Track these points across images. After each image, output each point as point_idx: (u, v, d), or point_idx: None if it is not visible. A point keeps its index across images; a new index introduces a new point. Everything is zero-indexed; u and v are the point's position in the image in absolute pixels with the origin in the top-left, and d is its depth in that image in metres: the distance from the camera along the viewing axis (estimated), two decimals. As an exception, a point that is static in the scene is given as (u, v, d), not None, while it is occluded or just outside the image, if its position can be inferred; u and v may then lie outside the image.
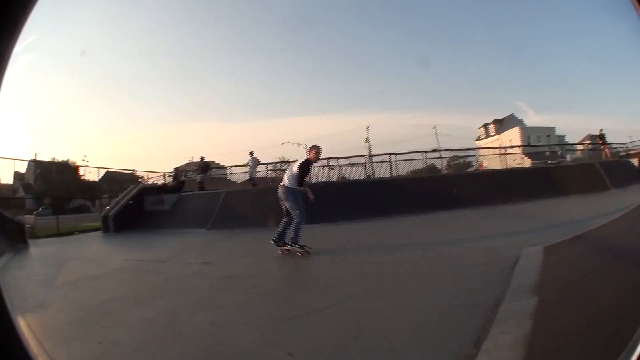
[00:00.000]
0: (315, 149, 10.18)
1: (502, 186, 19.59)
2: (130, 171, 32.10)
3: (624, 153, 34.15)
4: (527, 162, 32.24)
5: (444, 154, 28.52)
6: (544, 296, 4.79)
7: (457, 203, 16.48)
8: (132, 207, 20.66)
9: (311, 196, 9.73)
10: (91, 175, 32.43)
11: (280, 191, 10.00)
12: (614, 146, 33.73)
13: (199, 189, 24.11)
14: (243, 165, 26.36)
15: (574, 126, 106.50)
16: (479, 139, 67.59)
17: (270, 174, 27.65)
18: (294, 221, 9.63)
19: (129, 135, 63.27)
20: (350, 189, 20.07)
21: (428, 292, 5.79)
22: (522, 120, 66.56)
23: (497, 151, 30.95)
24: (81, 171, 33.50)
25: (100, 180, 32.35)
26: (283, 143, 63.02)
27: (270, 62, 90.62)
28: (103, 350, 4.48)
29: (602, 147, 31.03)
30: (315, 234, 10.05)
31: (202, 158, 26.63)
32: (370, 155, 26.54)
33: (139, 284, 8.13)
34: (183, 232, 16.75)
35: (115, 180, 32.24)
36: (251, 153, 25.82)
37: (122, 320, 5.57)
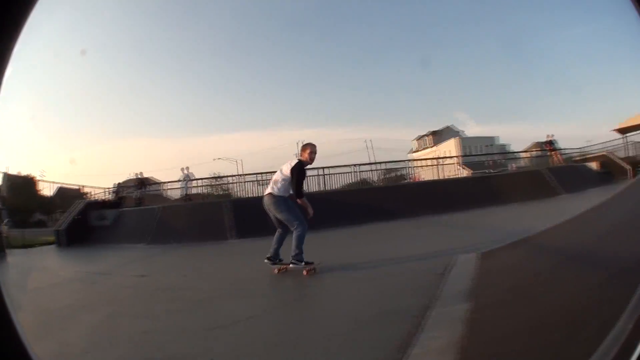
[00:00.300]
0: (309, 147, 8.55)
1: (437, 196, 19.99)
2: (77, 187, 31.70)
3: (578, 158, 34.20)
4: (465, 173, 32.01)
5: (377, 167, 28.60)
6: (478, 301, 4.81)
7: (391, 214, 16.78)
8: (79, 222, 20.99)
9: (310, 211, 8.43)
10: (47, 190, 32.20)
11: (266, 202, 8.49)
12: (566, 151, 34.19)
13: (136, 204, 24.38)
14: (178, 181, 26.48)
15: (528, 134, 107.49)
16: (413, 151, 68.12)
17: (205, 190, 28.12)
18: (294, 234, 8.19)
19: (79, 150, 62.04)
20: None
21: (357, 300, 5.98)
22: (459, 131, 67.17)
23: (433, 162, 30.58)
24: (39, 186, 33.23)
25: (54, 195, 32.13)
26: (217, 159, 59.94)
27: (204, 79, 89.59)
28: (60, 351, 4.91)
29: (551, 153, 31.19)
30: (246, 248, 9.98)
31: (139, 174, 27.40)
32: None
33: (86, 293, 8.74)
34: (123, 246, 17.27)
35: (66, 196, 31.80)
36: (184, 169, 26.15)
37: (74, 325, 6.02)
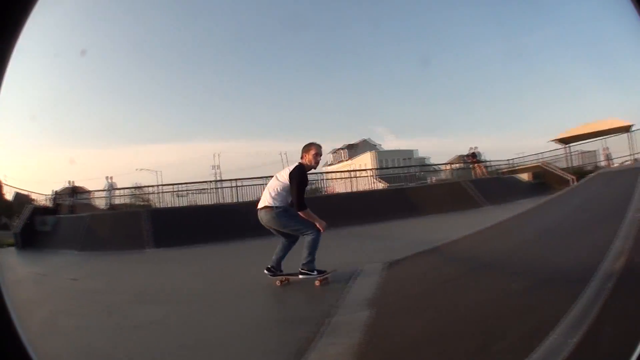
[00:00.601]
0: (314, 148, 6.82)
1: (351, 208, 19.69)
2: (27, 193, 31.17)
3: (506, 169, 33.77)
4: (381, 186, 30.55)
5: None
6: (380, 309, 4.74)
7: None
8: (28, 226, 20.95)
9: (322, 223, 6.64)
10: (8, 195, 31.62)
11: (264, 217, 6.80)
12: (493, 163, 33.99)
13: (69, 212, 24.22)
14: (103, 190, 26.61)
15: (452, 148, 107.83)
16: (328, 164, 66.62)
17: (127, 200, 27.75)
18: (307, 238, 6.62)
19: (31, 156, 60.01)
20: (200, 213, 20.55)
21: (262, 306, 6.12)
22: (376, 145, 66.37)
23: (347, 175, 29.75)
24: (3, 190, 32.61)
25: (13, 199, 31.54)
26: (140, 169, 57.69)
27: (123, 88, 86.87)
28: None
29: (474, 165, 30.43)
30: (163, 257, 11.05)
31: (71, 183, 27.48)
32: (219, 181, 26.84)
33: (31, 291, 8.99)
34: (60, 252, 17.26)
35: (21, 201, 31.16)
36: (109, 178, 26.43)
37: (27, 318, 5.97)
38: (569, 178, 25.44)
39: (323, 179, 30.20)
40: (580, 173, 24.80)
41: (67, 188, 27.53)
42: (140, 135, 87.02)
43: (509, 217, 9.06)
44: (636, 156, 25.72)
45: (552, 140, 33.90)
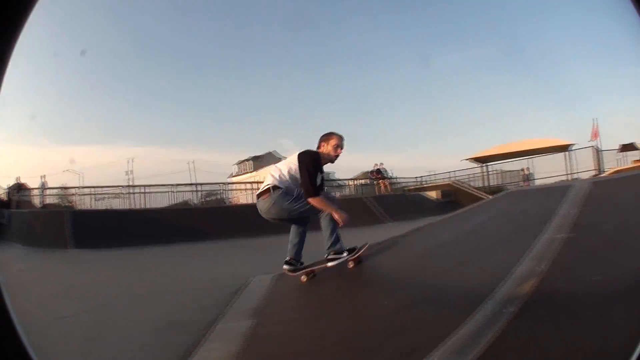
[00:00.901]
0: (335, 138, 5.65)
1: (251, 220, 19.56)
2: None
3: (413, 187, 33.73)
4: None
5: (198, 188, 27.95)
6: (263, 319, 4.74)
7: (206, 235, 16.59)
8: None
9: (342, 215, 5.42)
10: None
11: (262, 206, 5.55)
12: (400, 180, 34.26)
13: (17, 207, 23.43)
14: (37, 189, 26.45)
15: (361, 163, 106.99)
16: (233, 175, 65.75)
17: (56, 200, 27.55)
18: (325, 218, 5.52)
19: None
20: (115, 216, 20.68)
21: (153, 310, 6.05)
22: (281, 158, 64.59)
23: (251, 187, 28.69)
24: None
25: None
26: (66, 171, 55.29)
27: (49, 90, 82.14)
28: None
29: (378, 181, 29.83)
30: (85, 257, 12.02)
31: (18, 179, 26.76)
32: (131, 186, 27.36)
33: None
34: (13, 245, 16.46)
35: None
36: (42, 177, 27.06)
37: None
38: (483, 197, 23.87)
39: (227, 190, 30.41)
40: (498, 192, 22.88)
41: (15, 184, 26.67)
42: (72, 135, 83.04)
43: (404, 232, 8.25)
44: (576, 175, 25.60)
45: (467, 159, 33.97)
